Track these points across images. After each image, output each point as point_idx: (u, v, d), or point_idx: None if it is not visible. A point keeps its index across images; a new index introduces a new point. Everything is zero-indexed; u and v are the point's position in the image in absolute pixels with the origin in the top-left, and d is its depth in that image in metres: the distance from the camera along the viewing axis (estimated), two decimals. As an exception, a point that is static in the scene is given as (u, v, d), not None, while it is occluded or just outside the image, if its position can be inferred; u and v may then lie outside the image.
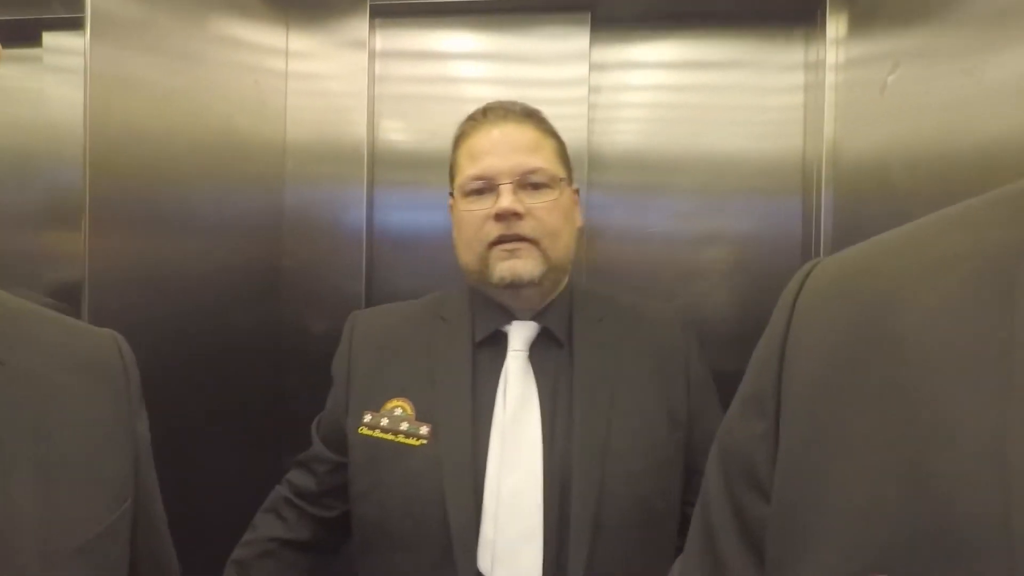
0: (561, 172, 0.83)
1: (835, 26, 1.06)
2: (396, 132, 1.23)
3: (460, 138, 0.85)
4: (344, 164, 1.18)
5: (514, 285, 0.78)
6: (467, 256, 0.83)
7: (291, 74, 1.21)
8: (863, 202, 0.98)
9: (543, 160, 0.81)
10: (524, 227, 0.78)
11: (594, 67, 1.15)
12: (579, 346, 0.82)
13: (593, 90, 1.15)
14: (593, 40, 1.14)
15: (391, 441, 0.78)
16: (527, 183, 0.80)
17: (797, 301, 0.37)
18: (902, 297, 0.30)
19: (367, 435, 0.80)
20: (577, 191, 0.89)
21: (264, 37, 1.17)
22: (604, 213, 1.18)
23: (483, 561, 0.73)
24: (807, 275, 0.38)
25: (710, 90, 1.15)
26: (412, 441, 0.78)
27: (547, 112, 1.16)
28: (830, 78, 1.06)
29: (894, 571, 0.25)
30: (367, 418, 0.81)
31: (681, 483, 0.81)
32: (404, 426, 0.79)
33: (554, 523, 0.73)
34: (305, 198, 1.21)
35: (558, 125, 0.83)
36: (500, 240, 0.79)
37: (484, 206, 0.80)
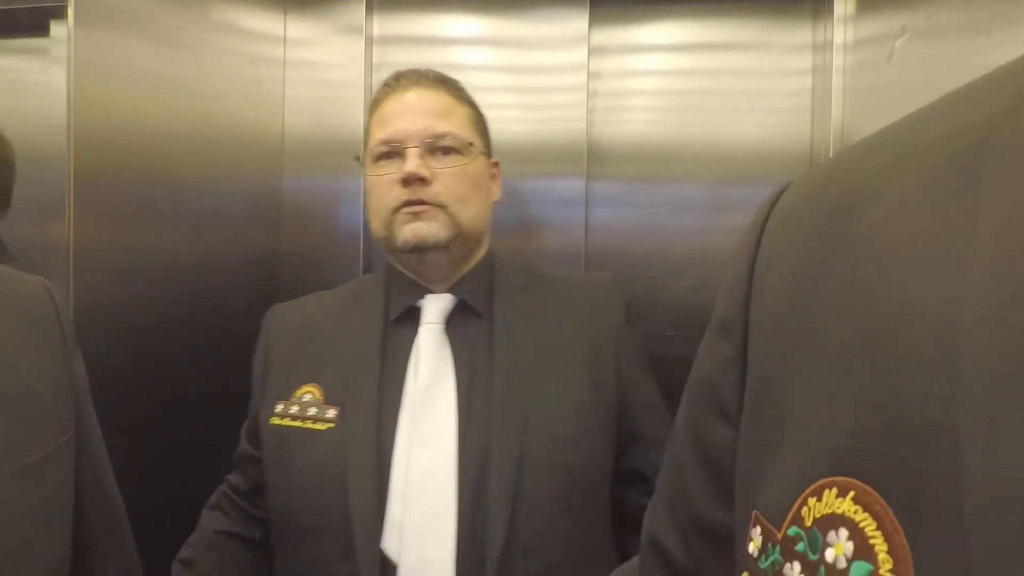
0: (474, 139, 0.81)
1: (843, 3, 1.02)
2: (394, 120, 1.21)
3: (372, 104, 0.85)
4: (342, 153, 1.17)
5: (418, 248, 0.77)
6: (375, 222, 0.82)
7: (289, 62, 1.20)
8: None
9: (453, 125, 0.79)
10: (430, 192, 0.77)
11: (593, 51, 1.12)
12: (499, 316, 0.79)
13: (592, 76, 1.12)
14: (592, 23, 1.11)
15: (299, 428, 0.76)
16: (436, 147, 0.78)
17: (767, 222, 0.35)
18: (868, 196, 0.28)
19: (277, 424, 0.78)
20: (497, 164, 0.88)
21: (261, 24, 1.16)
22: (605, 203, 1.15)
23: (390, 544, 0.70)
24: (778, 195, 0.36)
25: (714, 74, 1.12)
26: (319, 426, 0.76)
27: (546, 100, 1.14)
28: (838, 60, 1.02)
29: (851, 470, 0.24)
30: (279, 407, 0.79)
31: (613, 453, 0.78)
32: (312, 411, 0.77)
33: (469, 500, 0.70)
34: (303, 187, 1.20)
35: (556, 114, 0.81)
36: (406, 204, 0.77)
37: (391, 171, 0.78)
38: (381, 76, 1.19)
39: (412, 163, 0.76)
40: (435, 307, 0.80)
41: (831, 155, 1.03)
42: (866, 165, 0.31)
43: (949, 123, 0.27)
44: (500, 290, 0.82)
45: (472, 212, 0.80)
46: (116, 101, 0.83)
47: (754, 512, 0.29)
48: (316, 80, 1.19)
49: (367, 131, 0.85)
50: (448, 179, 0.78)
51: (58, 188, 0.80)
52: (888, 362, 0.24)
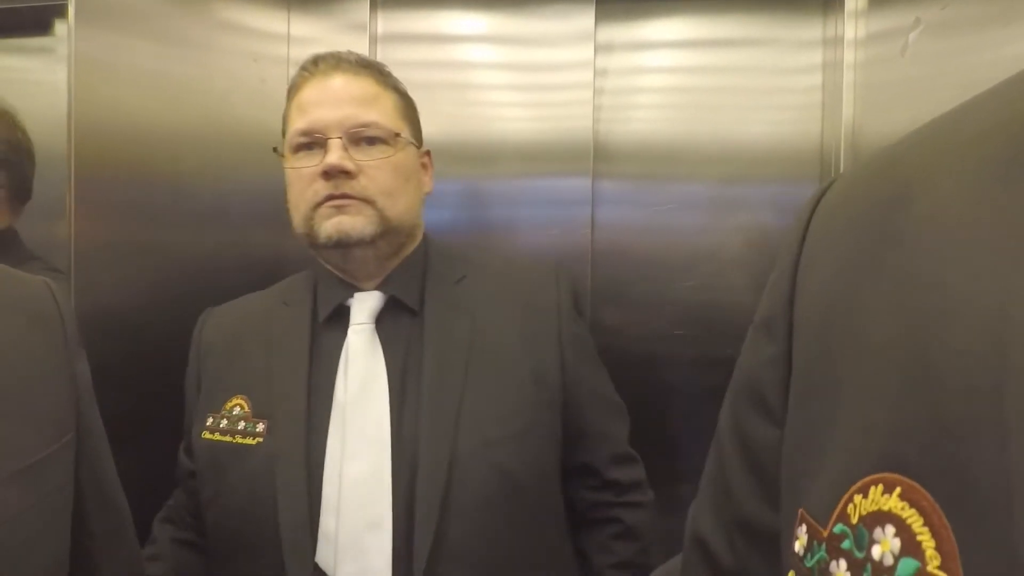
0: (401, 128, 0.76)
1: (855, -2, 1.00)
2: (398, 118, 1.21)
3: (291, 90, 0.78)
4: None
5: (342, 244, 0.71)
6: (296, 217, 0.76)
7: (293, 60, 1.19)
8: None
9: (379, 114, 0.74)
10: (354, 186, 0.71)
11: (600, 48, 1.10)
12: (430, 311, 0.75)
13: (599, 73, 1.11)
14: (599, 19, 1.10)
15: (229, 443, 0.73)
16: (360, 138, 0.73)
17: (812, 219, 0.34)
18: (918, 189, 0.28)
19: (208, 439, 0.75)
20: (428, 154, 0.83)
21: (265, 22, 1.15)
22: (612, 201, 1.14)
23: (324, 558, 0.67)
24: (823, 192, 0.35)
25: (722, 71, 1.10)
26: (249, 440, 0.72)
27: (552, 98, 1.12)
28: (849, 56, 1.00)
29: (897, 466, 0.24)
30: (209, 421, 0.75)
31: (559, 447, 0.75)
32: (241, 425, 0.73)
33: (403, 508, 0.67)
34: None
35: (563, 111, 0.77)
36: (329, 199, 0.72)
37: (312, 163, 0.72)
38: (385, 74, 1.19)
39: (335, 155, 0.70)
40: (364, 306, 0.75)
41: (842, 153, 1.02)
42: (912, 159, 0.30)
43: (995, 116, 0.27)
44: (433, 284, 0.78)
45: (401, 206, 0.75)
46: (118, 100, 0.83)
47: (800, 510, 0.29)
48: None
49: (284, 119, 0.78)
50: (374, 172, 0.72)
51: (60, 187, 0.80)
52: (936, 356, 0.23)
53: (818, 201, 0.35)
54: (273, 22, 1.17)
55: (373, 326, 0.74)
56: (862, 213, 0.31)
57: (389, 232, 0.74)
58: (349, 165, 0.71)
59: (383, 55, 1.19)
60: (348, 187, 0.71)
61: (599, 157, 1.12)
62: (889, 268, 0.27)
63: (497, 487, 0.69)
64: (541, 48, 1.12)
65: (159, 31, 0.92)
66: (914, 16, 0.84)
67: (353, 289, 0.77)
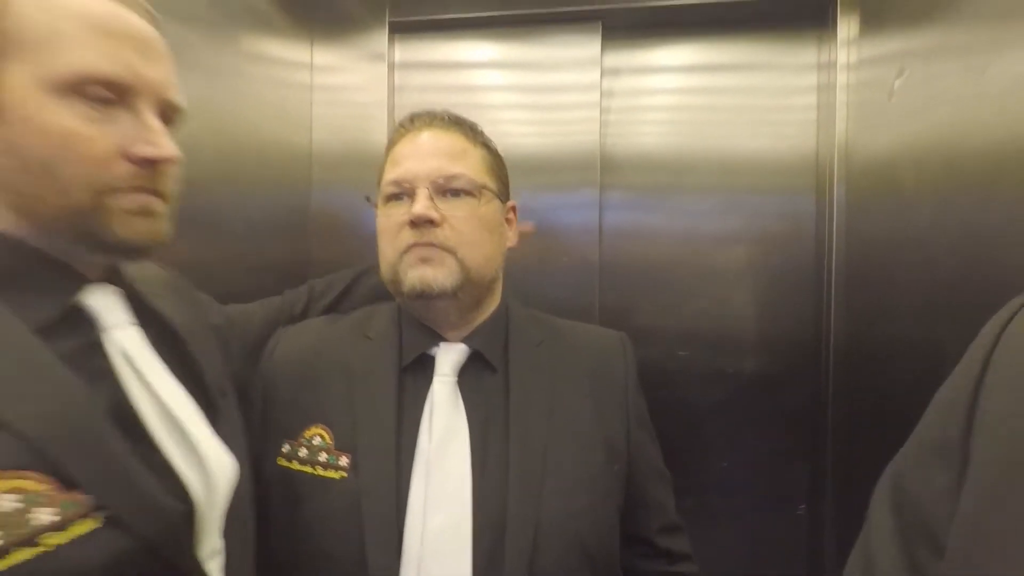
0: (487, 182, 0.78)
1: (846, 27, 1.07)
2: (415, 140, 1.27)
3: (387, 146, 0.82)
4: (367, 169, 1.23)
5: (424, 296, 0.73)
6: (384, 265, 0.78)
7: (316, 86, 1.26)
8: (874, 200, 0.98)
9: (466, 167, 0.76)
10: (438, 235, 0.73)
11: (606, 72, 1.17)
12: (515, 372, 0.75)
13: (605, 94, 1.17)
14: (605, 46, 1.17)
15: (310, 474, 0.72)
16: (446, 189, 0.75)
17: (1001, 338, 0.32)
18: None
19: (285, 467, 0.73)
20: (514, 208, 0.85)
21: (290, 52, 1.22)
22: (617, 215, 1.20)
23: None
24: (1015, 313, 0.33)
25: (723, 92, 1.17)
26: (331, 474, 0.71)
27: (560, 116, 1.19)
28: (842, 78, 1.07)
29: None
30: (285, 448, 0.74)
31: (618, 517, 0.76)
32: (323, 456, 0.73)
33: (484, 566, 0.67)
34: (330, 202, 1.27)
35: (571, 128, 0.81)
36: (414, 246, 0.73)
37: (400, 212, 0.75)
38: (403, 98, 1.26)
39: (420, 204, 0.72)
40: (449, 358, 0.76)
41: (835, 165, 1.07)
42: None
43: None
44: (515, 344, 0.78)
45: (482, 257, 0.76)
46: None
47: None
48: (341, 101, 1.26)
49: (380, 172, 0.82)
50: (458, 222, 0.74)
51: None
52: None
53: (1008, 320, 0.33)
54: (297, 52, 1.24)
55: (455, 379, 0.75)
56: None
57: (469, 283, 0.75)
58: (434, 214, 0.72)
59: (400, 80, 1.26)
60: (432, 236, 0.73)
61: (606, 170, 1.18)
62: None
63: (577, 557, 0.70)
64: (551, 72, 1.18)
65: (192, 62, 0.99)
66: (900, 51, 0.90)
67: (438, 338, 0.78)
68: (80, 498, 0.46)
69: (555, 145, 1.18)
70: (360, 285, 0.95)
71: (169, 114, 0.56)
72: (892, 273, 0.92)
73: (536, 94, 1.19)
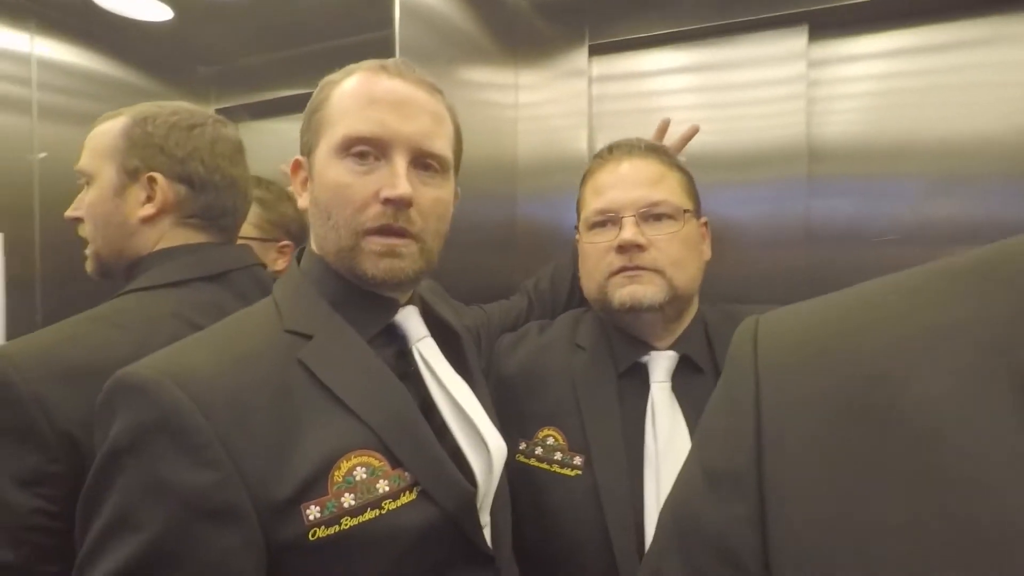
0: (686, 204, 0.83)
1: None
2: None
3: (587, 175, 0.89)
4: (568, 175, 1.32)
5: (634, 309, 0.79)
6: (589, 285, 0.85)
7: (520, 104, 1.39)
8: None
9: (666, 192, 0.81)
10: (646, 258, 0.79)
11: (812, 64, 1.18)
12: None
13: (812, 84, 1.18)
14: (811, 40, 1.17)
15: (547, 470, 0.79)
16: (650, 215, 0.80)
17: (758, 366, 0.34)
18: (901, 372, 0.30)
19: (523, 463, 0.81)
20: (706, 223, 0.89)
21: (498, 76, 1.37)
22: (827, 205, 1.18)
23: None
24: (754, 336, 0.36)
25: (938, 73, 1.12)
26: (568, 471, 0.78)
27: (763, 110, 1.21)
28: None
29: None
30: (521, 446, 0.82)
31: None
32: (558, 456, 0.80)
33: None
34: (535, 212, 1.37)
35: (774, 121, 0.81)
36: (622, 270, 0.80)
37: (607, 238, 0.81)
38: (601, 106, 1.35)
39: (629, 231, 0.79)
40: (662, 366, 0.81)
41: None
42: (885, 335, 0.31)
43: (973, 309, 0.29)
44: (717, 343, 0.83)
45: (687, 275, 0.81)
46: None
47: None
48: (544, 115, 1.37)
49: (581, 200, 0.88)
50: (663, 245, 0.80)
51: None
52: (979, 531, 0.26)
53: (754, 344, 0.35)
54: (503, 75, 1.38)
55: (670, 384, 0.81)
56: (835, 382, 0.31)
57: (676, 299, 0.81)
58: (642, 240, 0.79)
59: (598, 91, 1.35)
60: (640, 259, 0.79)
61: (814, 159, 1.17)
62: (896, 454, 0.28)
63: None
64: (754, 69, 1.21)
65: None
66: None
67: (647, 347, 0.84)
68: (404, 475, 0.59)
69: (755, 140, 1.20)
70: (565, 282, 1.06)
71: (428, 161, 0.65)
72: None
73: (737, 91, 1.22)
